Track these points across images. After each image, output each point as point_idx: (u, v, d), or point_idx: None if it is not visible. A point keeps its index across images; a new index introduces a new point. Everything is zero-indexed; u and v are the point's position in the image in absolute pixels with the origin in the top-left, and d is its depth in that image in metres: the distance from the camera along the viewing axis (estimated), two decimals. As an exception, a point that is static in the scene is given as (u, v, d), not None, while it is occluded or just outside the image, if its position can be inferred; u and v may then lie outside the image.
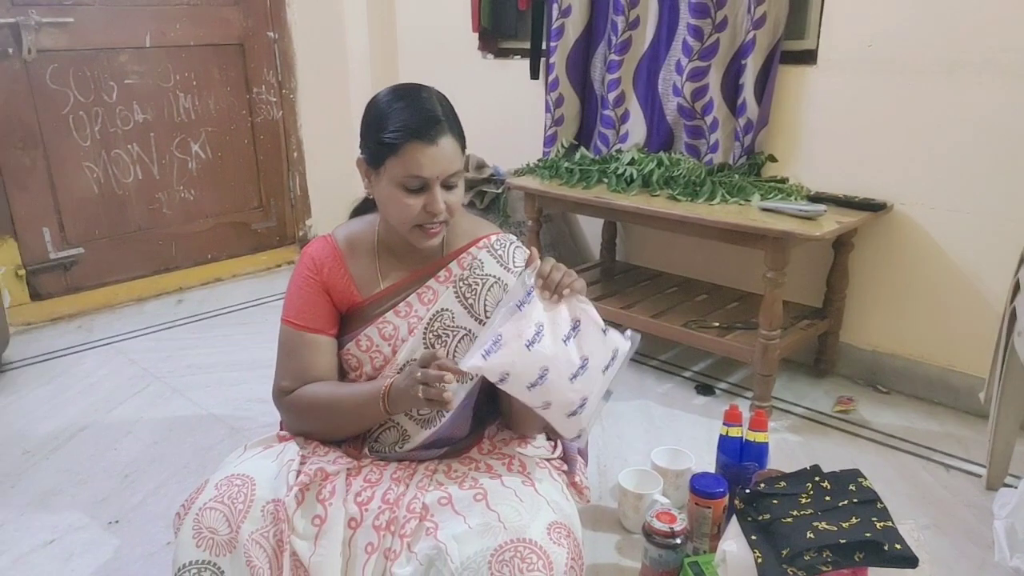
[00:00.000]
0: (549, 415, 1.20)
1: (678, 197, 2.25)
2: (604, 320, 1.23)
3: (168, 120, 3.09)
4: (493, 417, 1.39)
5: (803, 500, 1.32)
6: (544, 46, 2.84)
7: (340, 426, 1.30)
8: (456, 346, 1.28)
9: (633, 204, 2.25)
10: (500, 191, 2.86)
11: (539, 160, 2.74)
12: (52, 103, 2.77)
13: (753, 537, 1.27)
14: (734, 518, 1.36)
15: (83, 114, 2.85)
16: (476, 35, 3.15)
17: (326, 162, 3.57)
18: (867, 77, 2.17)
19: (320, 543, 1.14)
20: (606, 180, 2.43)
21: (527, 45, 2.96)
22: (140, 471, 1.91)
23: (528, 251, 1.37)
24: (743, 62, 2.31)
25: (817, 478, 1.37)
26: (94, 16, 2.81)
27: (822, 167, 2.31)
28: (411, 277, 1.33)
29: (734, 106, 2.39)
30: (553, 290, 1.16)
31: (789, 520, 1.27)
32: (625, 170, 2.41)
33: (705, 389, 2.33)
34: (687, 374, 2.45)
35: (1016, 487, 1.56)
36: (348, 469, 1.24)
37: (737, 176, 2.32)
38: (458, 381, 1.16)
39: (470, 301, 1.29)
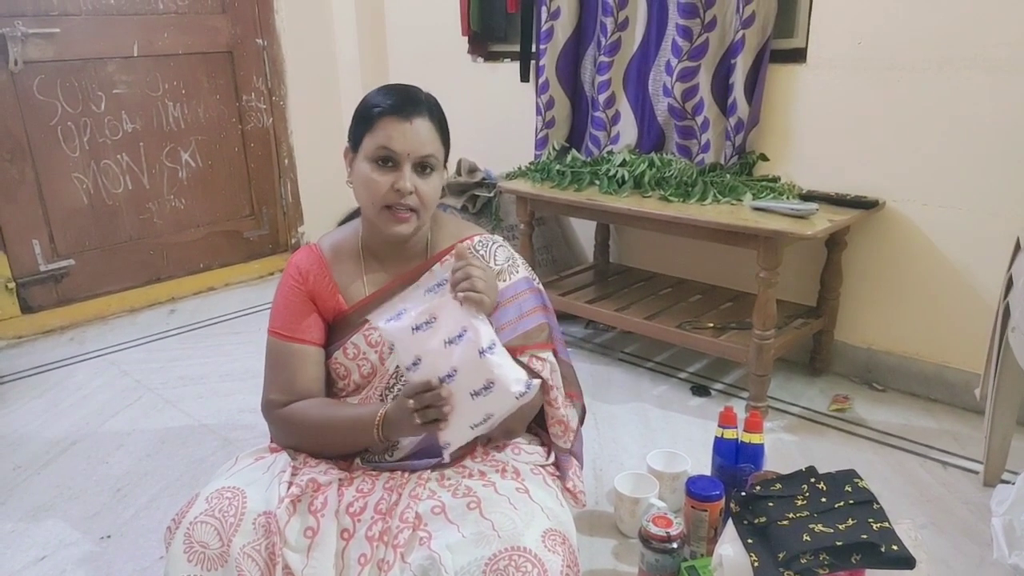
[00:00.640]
0: None
1: (670, 198, 2.24)
2: (522, 363, 1.22)
3: (157, 129, 3.08)
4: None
5: (799, 502, 1.32)
6: (534, 48, 2.84)
7: (330, 447, 1.29)
8: None
9: (625, 206, 2.24)
10: (492, 195, 2.85)
11: (530, 163, 2.74)
12: (40, 114, 2.75)
13: (749, 540, 1.27)
14: (730, 522, 1.35)
15: (71, 125, 2.84)
16: (465, 39, 3.14)
17: (317, 168, 3.56)
18: (857, 75, 2.17)
19: (313, 555, 1.13)
20: (598, 182, 2.43)
21: (517, 48, 2.96)
22: (132, 485, 1.90)
23: (512, 252, 1.37)
24: (733, 62, 2.30)
25: (813, 479, 1.37)
26: (81, 26, 2.79)
27: (813, 165, 2.31)
28: (395, 281, 1.32)
29: (724, 106, 2.39)
30: (455, 287, 1.16)
31: (785, 523, 1.26)
32: (617, 172, 2.41)
33: (700, 390, 2.33)
34: (682, 375, 2.45)
35: (1013, 483, 1.55)
36: (340, 480, 1.23)
37: (729, 176, 2.32)
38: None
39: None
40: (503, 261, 1.34)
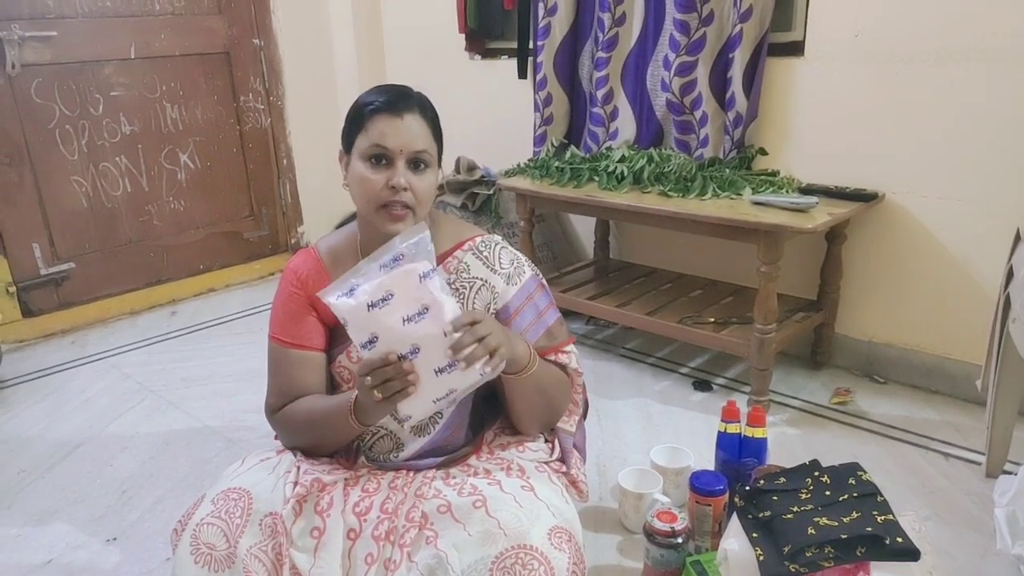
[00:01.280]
0: None
1: (669, 193, 2.24)
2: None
3: (156, 131, 3.08)
4: (490, 422, 1.39)
5: (803, 496, 1.32)
6: (531, 45, 2.83)
7: (321, 441, 1.28)
8: None
9: (624, 202, 2.24)
10: (491, 192, 2.85)
11: (529, 160, 2.73)
12: (38, 118, 2.75)
13: (754, 535, 1.27)
14: (735, 516, 1.35)
15: (69, 128, 2.83)
16: (463, 36, 3.14)
17: (316, 168, 3.56)
18: (855, 67, 2.16)
19: (319, 555, 1.13)
20: (597, 178, 2.43)
21: (514, 45, 2.95)
22: (137, 487, 1.90)
23: (515, 253, 1.36)
24: (731, 55, 2.30)
25: (816, 473, 1.37)
26: (77, 29, 2.79)
27: (813, 159, 2.31)
28: None
29: (723, 100, 2.39)
30: (468, 362, 1.09)
31: (790, 516, 1.27)
32: (616, 167, 2.41)
33: (702, 385, 2.33)
34: (684, 370, 2.45)
35: (1016, 474, 1.55)
36: (345, 479, 1.23)
37: (728, 170, 2.31)
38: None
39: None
40: (508, 264, 1.33)
